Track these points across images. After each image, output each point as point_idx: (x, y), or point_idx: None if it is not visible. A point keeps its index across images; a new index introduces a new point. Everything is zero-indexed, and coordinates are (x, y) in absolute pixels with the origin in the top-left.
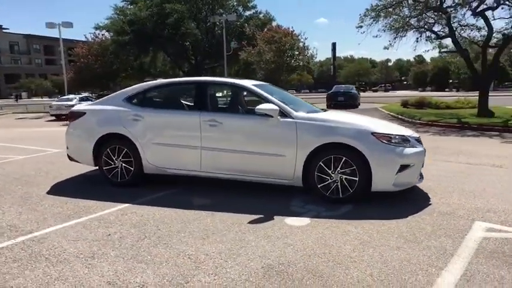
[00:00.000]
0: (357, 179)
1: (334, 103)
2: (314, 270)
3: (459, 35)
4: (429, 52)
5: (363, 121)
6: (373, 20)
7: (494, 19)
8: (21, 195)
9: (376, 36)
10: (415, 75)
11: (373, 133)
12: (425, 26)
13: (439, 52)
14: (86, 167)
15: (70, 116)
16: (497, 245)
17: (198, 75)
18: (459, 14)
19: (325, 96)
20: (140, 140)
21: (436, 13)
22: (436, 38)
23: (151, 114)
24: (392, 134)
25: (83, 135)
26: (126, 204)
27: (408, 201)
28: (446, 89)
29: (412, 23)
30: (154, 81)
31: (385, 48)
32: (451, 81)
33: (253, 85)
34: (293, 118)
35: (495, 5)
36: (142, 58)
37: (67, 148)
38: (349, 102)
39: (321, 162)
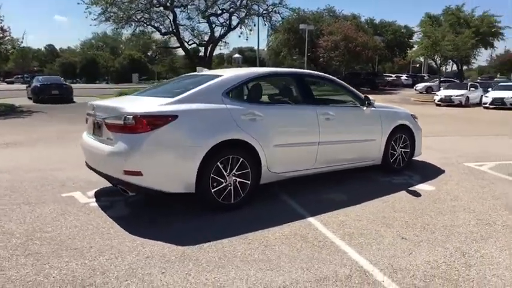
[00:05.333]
0: (409, 150)
1: (48, 97)
2: None
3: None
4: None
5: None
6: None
7: (213, 24)
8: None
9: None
10: (61, 66)
11: (411, 114)
12: (146, 22)
13: (156, 46)
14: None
15: (142, 122)
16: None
17: None
18: (189, 15)
19: (26, 89)
20: (262, 144)
21: (162, 11)
22: (163, 34)
23: (270, 111)
24: (414, 114)
25: (178, 149)
26: (309, 218)
27: (420, 162)
28: (97, 81)
29: (135, 16)
30: (252, 70)
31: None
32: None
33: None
34: (375, 107)
35: (219, 12)
36: None
37: (137, 174)
38: (65, 96)
39: (392, 142)
